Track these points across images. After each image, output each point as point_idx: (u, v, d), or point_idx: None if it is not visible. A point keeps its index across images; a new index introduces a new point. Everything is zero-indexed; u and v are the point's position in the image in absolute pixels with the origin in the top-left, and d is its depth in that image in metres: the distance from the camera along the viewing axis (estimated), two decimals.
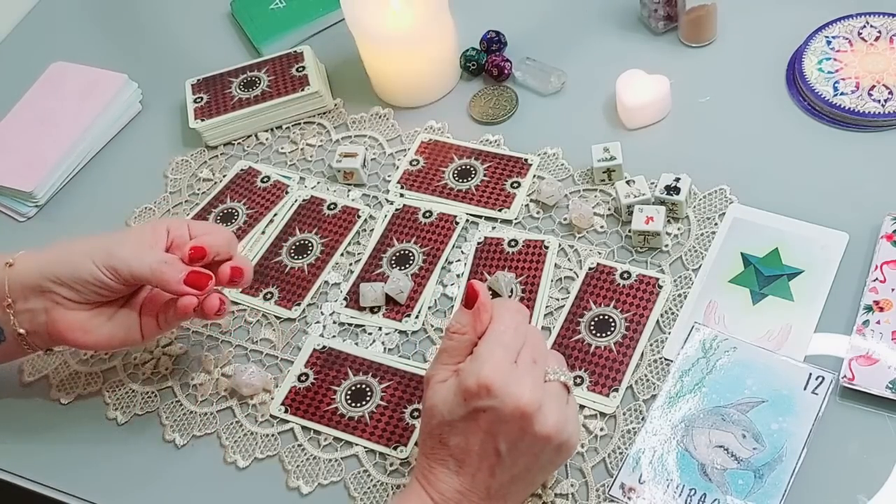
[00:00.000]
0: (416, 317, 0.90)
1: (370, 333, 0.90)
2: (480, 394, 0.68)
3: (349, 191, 1.01)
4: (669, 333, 0.84)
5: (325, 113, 1.08)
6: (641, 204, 0.89)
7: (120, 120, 1.13)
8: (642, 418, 0.80)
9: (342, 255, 0.96)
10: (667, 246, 0.89)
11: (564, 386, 0.72)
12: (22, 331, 0.82)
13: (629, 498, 0.76)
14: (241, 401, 0.88)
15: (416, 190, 0.99)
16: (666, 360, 0.83)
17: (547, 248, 0.91)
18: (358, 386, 0.87)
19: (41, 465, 0.88)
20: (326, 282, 0.94)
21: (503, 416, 0.68)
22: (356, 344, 0.90)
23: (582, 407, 0.82)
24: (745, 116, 0.97)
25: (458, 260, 0.93)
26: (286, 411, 0.87)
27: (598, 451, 0.80)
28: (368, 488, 0.82)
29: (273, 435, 0.86)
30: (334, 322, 0.92)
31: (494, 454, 0.70)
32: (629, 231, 0.89)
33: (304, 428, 0.86)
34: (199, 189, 1.05)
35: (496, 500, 0.71)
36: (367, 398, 0.86)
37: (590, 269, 0.89)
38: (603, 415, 0.81)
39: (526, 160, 0.98)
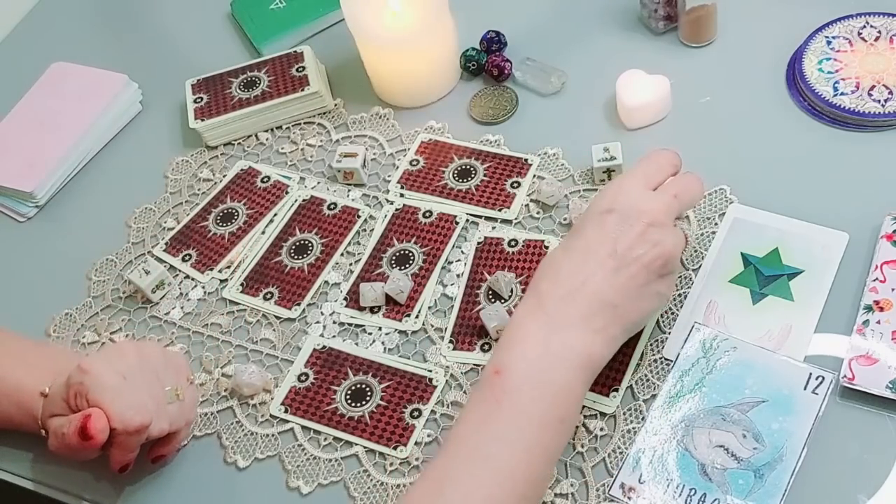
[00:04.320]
0: (416, 317, 0.90)
1: (370, 333, 0.90)
2: (607, 196, 0.78)
3: (349, 191, 1.01)
4: (669, 333, 0.84)
5: (325, 113, 1.08)
6: None
7: (120, 120, 1.13)
8: (642, 418, 0.80)
9: (342, 255, 0.96)
10: None
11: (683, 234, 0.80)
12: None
13: (629, 498, 0.76)
14: (241, 401, 0.89)
15: (416, 190, 0.99)
16: (666, 360, 0.83)
17: (547, 248, 0.91)
18: (358, 386, 0.87)
19: (41, 465, 0.88)
20: (326, 282, 0.94)
21: (627, 219, 0.76)
22: (356, 344, 0.90)
23: (582, 407, 0.82)
24: (745, 116, 0.97)
25: (458, 260, 0.93)
26: (286, 411, 0.87)
27: (598, 451, 0.79)
28: (368, 488, 0.82)
29: (273, 435, 0.86)
30: (334, 322, 0.92)
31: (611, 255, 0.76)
32: None
33: (304, 428, 0.86)
34: (199, 189, 1.05)
35: (605, 310, 0.75)
36: (367, 398, 0.86)
37: None
38: (603, 415, 0.81)
39: (526, 160, 0.98)
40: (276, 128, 1.08)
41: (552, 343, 0.74)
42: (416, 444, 0.83)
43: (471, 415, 0.74)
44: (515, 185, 0.97)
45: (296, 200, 1.01)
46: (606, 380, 0.82)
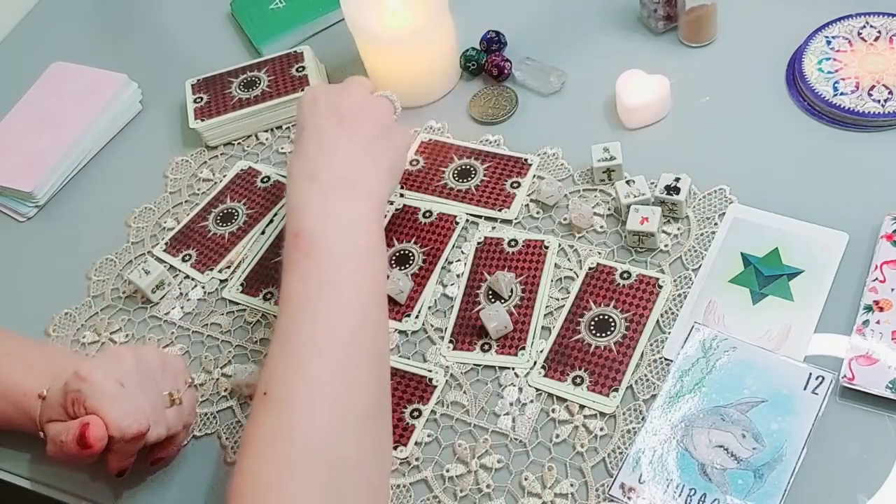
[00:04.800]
0: (416, 317, 0.90)
1: None
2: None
3: None
4: (669, 333, 0.84)
5: None
6: (641, 204, 0.89)
7: (120, 120, 1.13)
8: (642, 418, 0.80)
9: None
10: (667, 246, 0.89)
11: None
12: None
13: (629, 498, 0.76)
14: (241, 401, 0.88)
15: (416, 190, 0.99)
16: (666, 360, 0.83)
17: (547, 248, 0.91)
18: None
19: (41, 465, 0.88)
20: None
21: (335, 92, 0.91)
22: None
23: (582, 407, 0.82)
24: (745, 116, 0.97)
25: (458, 260, 0.93)
26: None
27: (598, 451, 0.80)
28: None
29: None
30: None
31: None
32: (625, 231, 0.89)
33: None
34: (199, 189, 1.05)
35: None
36: None
37: (590, 268, 0.89)
38: (603, 415, 0.81)
39: (526, 160, 0.98)
40: (276, 128, 1.08)
41: (331, 197, 0.82)
42: (416, 444, 0.83)
43: (290, 280, 0.79)
44: (515, 185, 0.97)
45: None
46: (606, 380, 0.82)
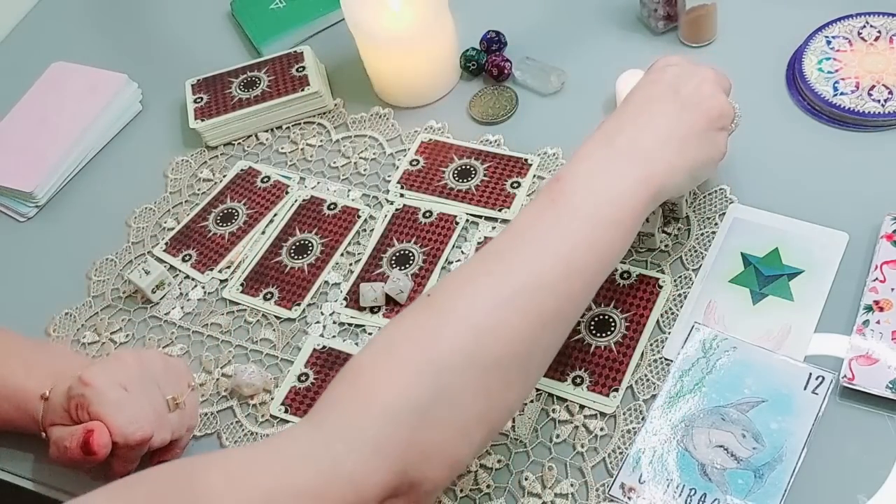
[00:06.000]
0: None
1: (370, 333, 0.90)
2: (659, 62, 0.85)
3: (349, 191, 1.01)
4: (669, 333, 0.84)
5: (325, 113, 1.08)
6: None
7: (120, 120, 1.13)
8: (642, 418, 0.80)
9: (342, 255, 0.96)
10: (667, 246, 0.89)
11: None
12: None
13: (629, 498, 0.76)
14: (241, 401, 0.89)
15: (416, 190, 0.99)
16: (666, 360, 0.83)
17: None
18: None
19: (41, 465, 0.88)
20: (326, 282, 0.94)
21: (685, 72, 0.82)
22: (356, 344, 0.90)
23: (582, 407, 0.82)
24: (745, 116, 0.96)
25: (459, 260, 0.93)
26: (286, 411, 0.87)
27: (598, 451, 0.80)
28: None
29: (271, 435, 0.86)
30: (334, 322, 0.92)
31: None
32: None
33: None
34: (199, 189, 1.05)
35: (671, 143, 0.79)
36: None
37: None
38: (603, 415, 0.81)
39: (526, 160, 0.98)
40: (276, 128, 1.08)
41: (614, 161, 0.77)
42: None
43: (524, 213, 0.76)
44: (515, 185, 0.97)
45: (296, 200, 1.01)
46: (606, 380, 0.82)
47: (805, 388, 0.78)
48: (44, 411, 0.80)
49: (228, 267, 0.98)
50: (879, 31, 0.98)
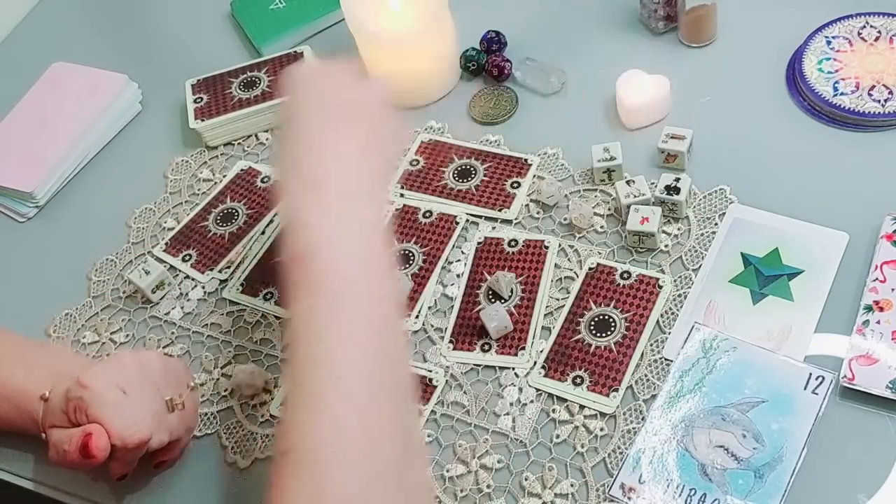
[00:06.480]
0: (416, 317, 0.90)
1: None
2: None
3: None
4: (669, 333, 0.84)
5: None
6: (642, 204, 0.89)
7: (120, 120, 1.13)
8: (642, 418, 0.80)
9: None
10: (667, 246, 0.89)
11: None
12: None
13: (629, 498, 0.76)
14: (241, 401, 0.89)
15: (416, 190, 0.99)
16: (666, 360, 0.83)
17: (547, 248, 0.91)
18: None
19: (41, 465, 0.88)
20: None
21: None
22: None
23: (582, 407, 0.82)
24: (745, 116, 0.97)
25: (459, 260, 0.93)
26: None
27: (598, 451, 0.80)
28: None
29: (273, 435, 0.86)
30: None
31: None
32: (625, 231, 0.89)
33: None
34: (199, 189, 1.05)
35: None
36: None
37: (590, 269, 0.89)
38: (603, 415, 0.81)
39: (526, 160, 0.98)
40: (277, 128, 1.08)
41: (337, 210, 0.71)
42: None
43: (295, 308, 0.68)
44: (515, 185, 0.97)
45: None
46: (606, 380, 0.82)
47: (805, 389, 0.78)
48: (43, 413, 0.80)
49: (228, 267, 0.98)
50: (879, 32, 0.98)
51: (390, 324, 0.70)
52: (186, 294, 0.97)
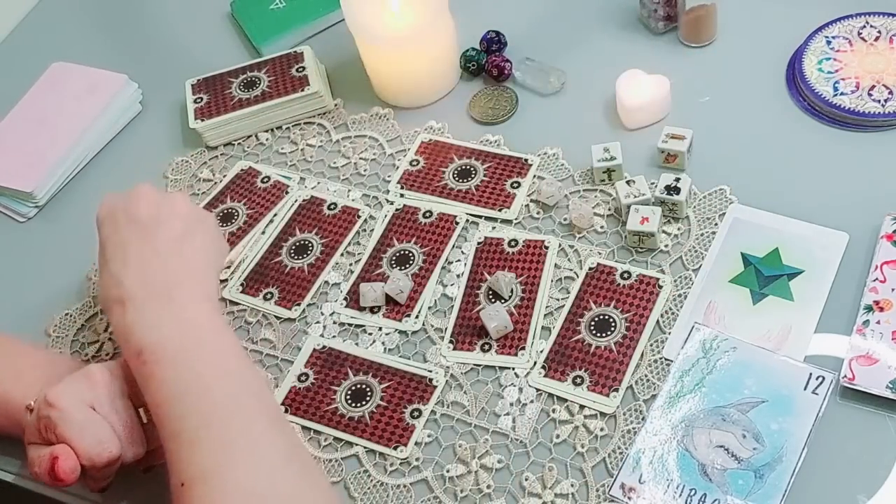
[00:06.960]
0: (416, 317, 0.90)
1: (370, 333, 0.90)
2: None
3: (349, 191, 1.01)
4: (669, 333, 0.84)
5: (325, 113, 1.08)
6: (642, 204, 0.89)
7: (120, 120, 1.13)
8: (642, 418, 0.80)
9: (342, 255, 0.96)
10: (667, 246, 0.89)
11: None
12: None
13: (629, 498, 0.76)
14: None
15: (416, 190, 0.99)
16: (666, 360, 0.83)
17: (547, 248, 0.91)
18: (358, 386, 0.87)
19: None
20: (326, 282, 0.94)
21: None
22: (356, 344, 0.90)
23: (582, 407, 0.82)
24: (745, 116, 0.97)
25: (458, 260, 0.93)
26: (286, 411, 0.87)
27: (598, 451, 0.80)
28: (368, 488, 0.82)
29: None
30: (334, 322, 0.92)
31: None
32: (625, 231, 0.89)
33: (304, 428, 0.86)
34: (199, 189, 1.05)
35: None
36: (367, 398, 0.86)
37: (590, 269, 0.89)
38: (603, 415, 0.81)
39: (526, 160, 0.98)
40: (276, 128, 1.08)
41: (152, 313, 0.78)
42: (416, 444, 0.83)
43: (149, 391, 0.75)
44: (515, 185, 0.97)
45: (296, 200, 1.01)
46: (606, 380, 0.82)
47: (805, 389, 0.78)
48: (26, 426, 0.79)
49: (228, 267, 0.98)
50: (879, 31, 0.98)
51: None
52: None
